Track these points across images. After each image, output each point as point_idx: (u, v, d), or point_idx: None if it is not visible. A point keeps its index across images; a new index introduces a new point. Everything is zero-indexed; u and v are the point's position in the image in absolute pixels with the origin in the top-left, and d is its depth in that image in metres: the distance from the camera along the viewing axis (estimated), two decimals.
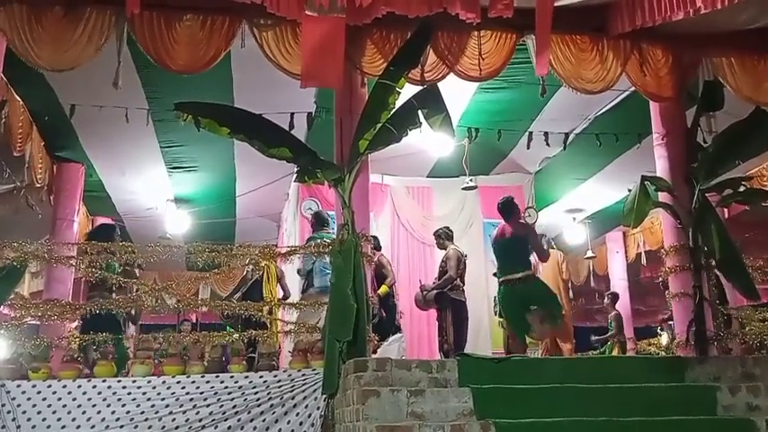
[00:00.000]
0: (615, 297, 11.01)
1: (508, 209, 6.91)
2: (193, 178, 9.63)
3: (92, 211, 10.53)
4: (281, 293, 7.86)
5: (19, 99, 6.90)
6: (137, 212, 10.51)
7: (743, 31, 6.18)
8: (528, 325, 6.61)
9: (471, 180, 8.89)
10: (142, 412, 5.04)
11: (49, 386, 5.13)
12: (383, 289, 7.61)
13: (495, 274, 7.32)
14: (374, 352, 5.84)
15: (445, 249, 8.03)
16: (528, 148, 8.20)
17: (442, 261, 7.99)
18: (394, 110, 5.66)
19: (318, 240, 6.94)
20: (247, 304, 6.19)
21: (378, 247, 7.87)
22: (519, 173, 9.76)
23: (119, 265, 6.52)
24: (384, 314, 7.53)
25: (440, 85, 5.91)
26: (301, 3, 5.26)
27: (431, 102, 5.74)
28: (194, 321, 12.84)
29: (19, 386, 5.11)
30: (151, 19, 5.57)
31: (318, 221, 7.66)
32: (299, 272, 7.49)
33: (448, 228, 8.24)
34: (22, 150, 7.17)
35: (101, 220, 10.73)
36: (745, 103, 6.34)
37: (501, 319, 7.50)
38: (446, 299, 7.72)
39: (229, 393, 5.15)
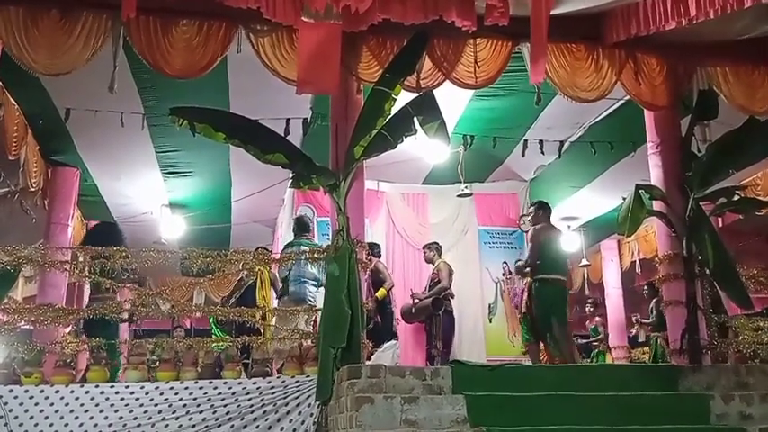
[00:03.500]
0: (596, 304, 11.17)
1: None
2: (188, 183, 9.60)
3: (86, 215, 10.49)
4: (274, 299, 7.84)
5: (14, 103, 6.87)
6: (132, 217, 10.47)
7: (737, 42, 6.21)
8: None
9: (466, 187, 8.90)
10: (135, 418, 5.01)
11: (42, 391, 5.09)
12: (381, 292, 7.63)
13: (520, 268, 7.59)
14: (368, 358, 5.84)
15: (433, 263, 8.16)
16: (523, 156, 8.25)
17: (433, 273, 8.10)
18: (389, 116, 5.68)
19: (295, 247, 7.00)
20: (241, 310, 6.17)
21: (378, 255, 7.91)
22: (514, 180, 9.80)
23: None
24: (380, 320, 7.55)
25: (435, 92, 5.92)
26: (298, 9, 5.26)
27: (426, 109, 5.76)
28: (188, 327, 12.79)
29: (11, 391, 5.07)
30: (147, 23, 5.55)
31: (299, 227, 7.68)
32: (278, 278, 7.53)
33: (438, 243, 8.48)
34: (16, 154, 7.13)
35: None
36: (739, 113, 6.38)
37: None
38: (442, 304, 7.79)
39: (222, 400, 5.12)
